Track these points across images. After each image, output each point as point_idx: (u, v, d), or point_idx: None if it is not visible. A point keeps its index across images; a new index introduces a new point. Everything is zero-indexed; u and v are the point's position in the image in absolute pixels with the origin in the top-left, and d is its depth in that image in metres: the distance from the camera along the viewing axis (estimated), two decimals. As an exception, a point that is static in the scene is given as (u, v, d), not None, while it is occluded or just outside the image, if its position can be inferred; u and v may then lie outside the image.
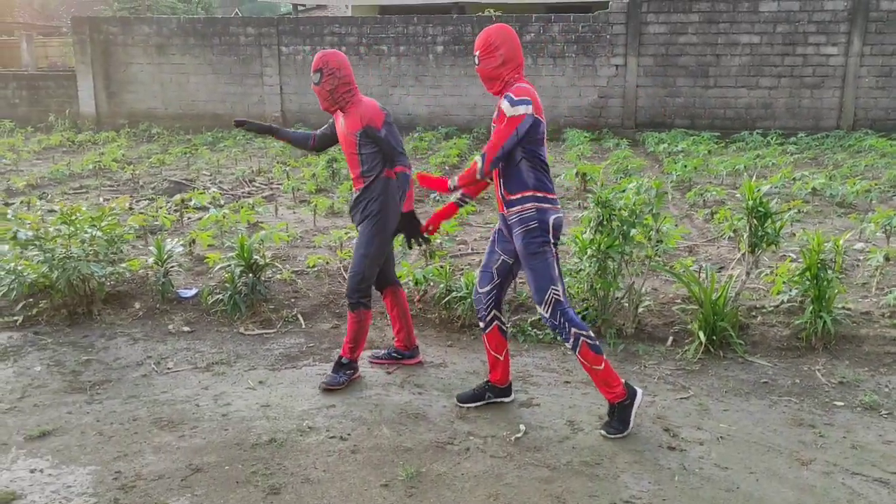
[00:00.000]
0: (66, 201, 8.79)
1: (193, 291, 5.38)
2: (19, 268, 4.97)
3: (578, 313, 4.93)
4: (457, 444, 3.51)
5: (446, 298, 4.97)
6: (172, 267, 5.40)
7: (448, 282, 5.04)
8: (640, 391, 3.61)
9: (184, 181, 9.80)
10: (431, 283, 5.21)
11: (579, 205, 8.62)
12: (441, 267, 5.15)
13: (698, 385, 4.17)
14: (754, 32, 15.68)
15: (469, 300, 4.87)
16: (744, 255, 4.76)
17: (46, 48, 34.37)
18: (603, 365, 3.49)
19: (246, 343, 4.81)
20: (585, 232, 4.93)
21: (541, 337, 4.81)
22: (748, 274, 4.69)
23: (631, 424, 3.56)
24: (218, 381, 4.23)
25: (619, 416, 3.57)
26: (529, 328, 4.89)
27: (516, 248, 3.57)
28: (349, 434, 3.60)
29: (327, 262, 5.88)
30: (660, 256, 5.07)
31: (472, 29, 16.37)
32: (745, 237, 4.67)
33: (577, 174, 9.10)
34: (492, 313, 3.81)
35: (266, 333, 4.95)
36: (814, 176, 9.14)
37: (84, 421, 3.73)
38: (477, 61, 3.50)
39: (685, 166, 9.69)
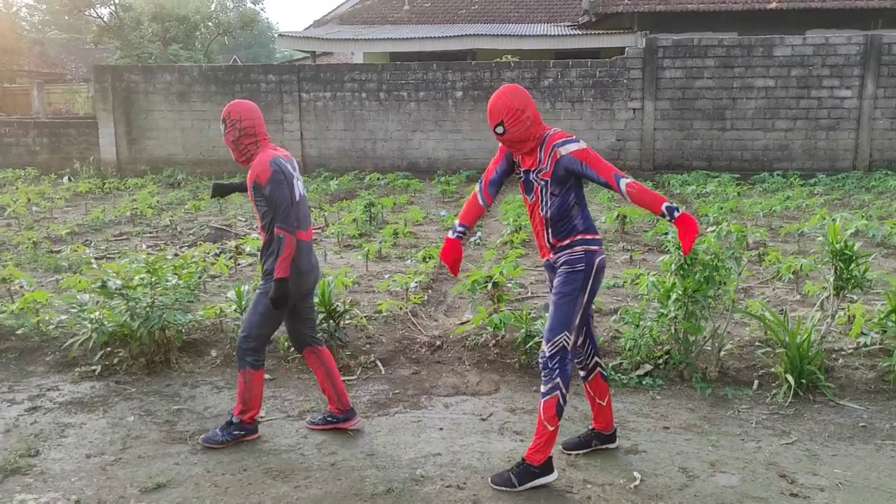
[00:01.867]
0: (111, 248, 8.82)
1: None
2: (100, 316, 4.96)
3: (659, 357, 4.97)
4: (576, 492, 3.48)
5: (529, 344, 4.97)
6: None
7: (528, 326, 5.04)
8: (554, 475, 3.53)
9: (223, 227, 9.85)
10: (508, 328, 5.21)
11: (623, 247, 8.68)
12: (519, 311, 5.16)
13: (798, 430, 4.16)
14: (769, 76, 15.94)
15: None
16: (828, 297, 4.79)
17: (50, 95, 34.73)
18: (554, 428, 3.47)
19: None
20: (667, 275, 4.96)
21: (625, 381, 4.81)
22: (833, 317, 4.72)
23: (517, 490, 3.47)
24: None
25: (520, 472, 3.50)
26: (613, 373, 4.89)
27: (553, 282, 3.55)
28: (465, 483, 3.58)
29: (401, 308, 5.88)
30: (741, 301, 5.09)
31: (491, 74, 16.63)
32: (830, 280, 4.70)
33: (617, 216, 9.17)
34: (593, 360, 3.82)
35: (348, 380, 4.94)
36: (851, 217, 9.22)
37: (194, 472, 3.70)
38: (503, 130, 3.42)
39: (720, 208, 9.77)
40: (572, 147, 3.42)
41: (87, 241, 9.06)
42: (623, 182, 3.38)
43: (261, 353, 3.96)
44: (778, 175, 15.01)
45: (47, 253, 8.33)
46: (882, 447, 3.94)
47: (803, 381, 4.56)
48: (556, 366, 3.46)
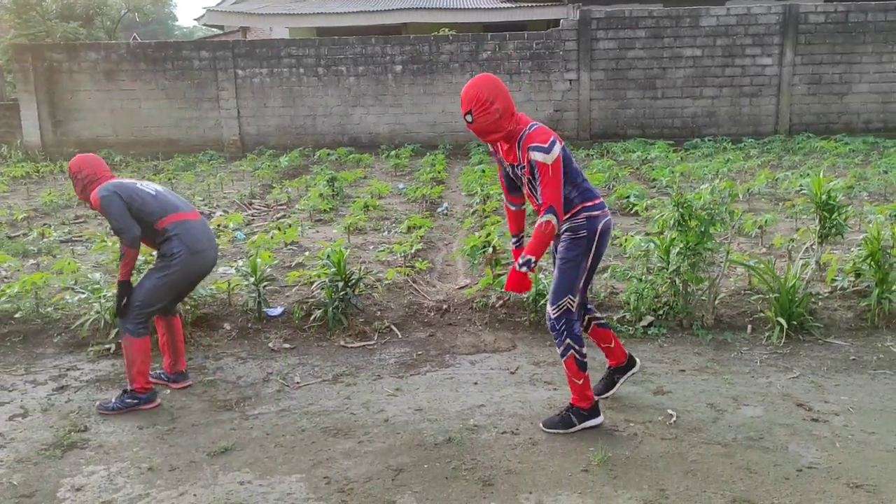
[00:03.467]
0: (74, 231, 8.58)
1: (280, 310, 5.44)
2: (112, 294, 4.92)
3: (659, 309, 5.30)
4: (622, 430, 3.76)
5: (540, 302, 5.22)
6: (266, 286, 5.44)
7: (536, 286, 5.28)
8: (601, 418, 3.76)
9: (185, 206, 9.67)
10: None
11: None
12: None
13: (798, 365, 4.57)
14: (696, 46, 16.62)
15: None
16: (812, 245, 5.22)
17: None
18: (583, 380, 3.71)
19: (354, 355, 4.92)
20: (664, 232, 5.28)
21: (631, 332, 5.12)
22: (818, 263, 5.15)
23: (569, 431, 3.70)
24: (354, 391, 4.34)
25: (566, 417, 3.74)
26: (618, 325, 5.19)
27: (557, 247, 3.77)
28: (517, 429, 3.80)
29: (407, 275, 6.03)
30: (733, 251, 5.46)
31: (430, 48, 16.70)
32: (816, 229, 5.12)
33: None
34: (585, 318, 4.04)
35: (367, 345, 5.08)
36: (791, 176, 9.86)
37: (254, 435, 3.79)
38: (471, 119, 3.47)
39: (672, 172, 10.26)
40: (538, 157, 3.46)
41: (45, 224, 8.77)
42: (545, 216, 3.49)
43: (143, 324, 4.10)
44: (709, 140, 15.75)
45: (7, 238, 8.05)
46: (876, 376, 4.38)
47: (793, 322, 4.98)
48: (564, 328, 3.69)
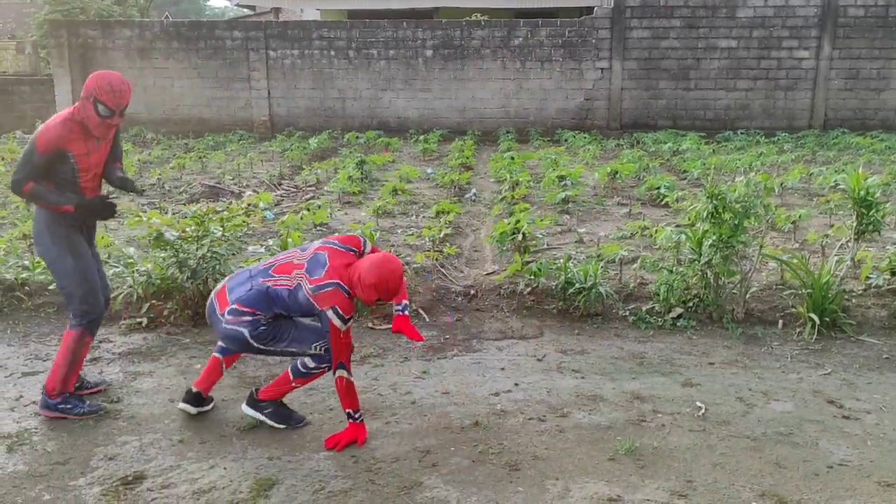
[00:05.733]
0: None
1: (309, 290, 5.46)
2: (149, 269, 4.98)
3: (689, 301, 5.26)
4: (650, 421, 3.75)
5: (569, 290, 5.20)
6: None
7: (566, 274, 5.27)
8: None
9: (216, 185, 9.76)
10: (547, 276, 5.42)
11: (618, 202, 8.97)
12: (558, 260, 5.37)
13: (830, 362, 4.51)
14: (732, 37, 16.37)
15: (592, 292, 5.12)
16: (848, 241, 5.14)
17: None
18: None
19: (381, 337, 4.95)
20: (696, 224, 5.23)
21: (660, 324, 5.09)
22: (853, 259, 5.07)
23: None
24: (382, 372, 4.37)
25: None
26: (647, 316, 5.16)
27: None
28: (545, 416, 3.80)
29: (436, 259, 6.04)
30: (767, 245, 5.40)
31: (461, 33, 16.61)
32: (852, 225, 5.04)
33: (609, 172, 9.46)
34: None
35: (395, 328, 5.09)
36: (826, 171, 9.70)
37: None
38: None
39: (703, 164, 10.14)
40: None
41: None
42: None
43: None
44: (741, 133, 15.54)
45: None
46: (909, 375, 4.32)
47: (826, 319, 4.92)
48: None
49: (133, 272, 5.17)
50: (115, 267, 5.37)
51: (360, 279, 3.27)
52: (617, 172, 9.49)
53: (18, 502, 3.02)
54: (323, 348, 3.48)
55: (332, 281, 3.30)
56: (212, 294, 3.59)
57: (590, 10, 17.46)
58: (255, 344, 3.43)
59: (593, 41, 16.52)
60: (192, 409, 3.75)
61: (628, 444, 3.47)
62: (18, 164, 3.69)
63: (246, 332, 3.39)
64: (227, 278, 3.62)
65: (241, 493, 3.09)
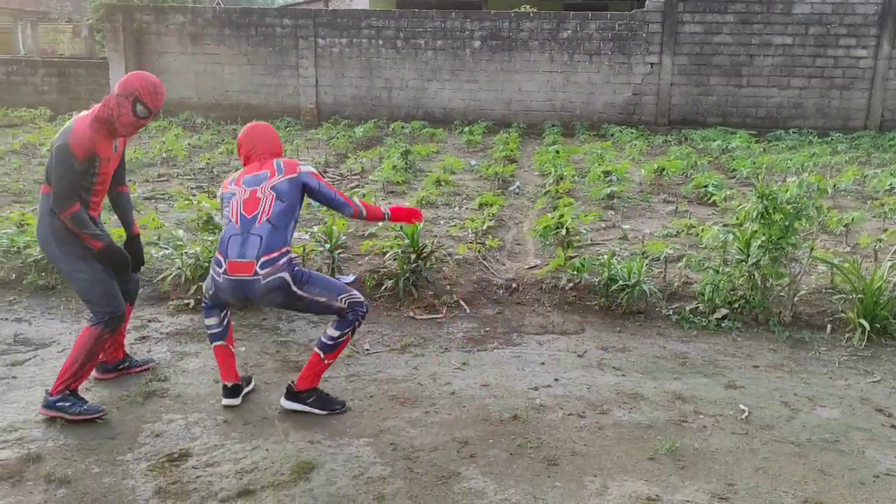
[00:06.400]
0: (157, 189, 8.87)
1: (352, 277, 5.52)
2: (198, 252, 5.08)
3: (734, 302, 5.18)
4: (691, 422, 3.71)
5: (611, 287, 5.16)
6: (340, 253, 5.54)
7: (609, 271, 5.23)
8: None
9: (263, 171, 9.88)
10: (590, 272, 5.39)
11: (664, 199, 8.85)
12: (602, 256, 5.34)
13: (880, 370, 4.41)
14: (787, 34, 16.00)
15: (636, 289, 5.08)
16: (903, 247, 5.00)
17: (35, 35, 33.96)
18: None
19: (422, 326, 4.97)
20: (744, 223, 5.15)
21: (704, 324, 5.02)
22: (907, 265, 4.93)
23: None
24: (422, 361, 4.40)
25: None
26: (690, 316, 5.10)
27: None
28: (584, 412, 3.79)
29: (478, 251, 6.05)
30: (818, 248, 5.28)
31: (510, 25, 16.54)
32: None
33: (656, 169, 9.34)
34: None
35: (436, 318, 5.12)
36: (881, 174, 9.45)
37: (324, 398, 3.87)
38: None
39: (753, 163, 9.95)
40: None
41: (130, 181, 9.08)
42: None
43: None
44: (794, 132, 15.20)
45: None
46: (962, 386, 4.19)
47: (876, 325, 4.81)
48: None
49: (182, 254, 5.27)
50: (165, 249, 5.48)
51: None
52: (664, 169, 9.37)
53: (69, 474, 3.12)
54: (347, 301, 3.58)
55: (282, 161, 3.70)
56: (218, 281, 3.54)
57: (641, 3, 17.23)
58: (296, 288, 3.50)
59: (644, 35, 16.30)
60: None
61: (669, 444, 3.44)
62: (56, 178, 3.44)
63: (287, 275, 3.48)
64: (213, 262, 3.60)
65: (283, 474, 3.14)
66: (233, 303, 3.68)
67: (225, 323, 3.74)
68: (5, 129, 14.42)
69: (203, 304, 3.77)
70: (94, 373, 3.95)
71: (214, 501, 2.95)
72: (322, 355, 3.64)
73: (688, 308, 5.18)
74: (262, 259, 3.45)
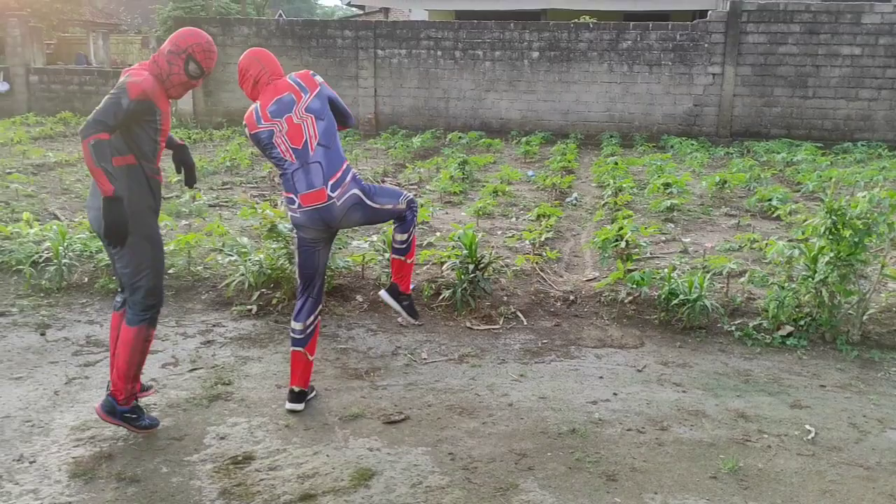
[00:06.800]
0: (221, 196, 9.11)
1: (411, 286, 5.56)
2: (261, 259, 5.20)
3: (800, 319, 5.05)
4: (755, 441, 3.63)
5: (672, 302, 5.09)
6: (399, 262, 5.59)
7: (671, 284, 5.16)
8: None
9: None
10: (650, 286, 5.33)
11: (726, 213, 8.70)
12: (662, 270, 5.27)
13: (955, 393, 4.24)
14: (856, 44, 15.56)
15: (697, 304, 5.00)
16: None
17: (106, 46, 35.25)
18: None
19: (479, 337, 4.98)
20: (811, 239, 5.02)
21: (768, 341, 4.91)
22: None
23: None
24: (479, 372, 4.41)
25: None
26: (752, 332, 4.99)
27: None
28: (644, 428, 3.74)
29: (535, 263, 6.04)
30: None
31: (569, 35, 16.48)
32: None
33: (717, 181, 9.18)
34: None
35: (493, 329, 5.12)
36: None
37: (382, 405, 3.92)
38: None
39: (820, 176, 9.69)
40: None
41: (196, 188, 9.34)
42: None
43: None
44: (862, 145, 14.74)
45: (162, 199, 8.63)
46: None
47: (952, 347, 4.63)
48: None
49: (246, 261, 5.40)
50: (230, 255, 5.63)
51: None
52: (726, 182, 9.21)
53: (139, 473, 3.22)
54: (405, 201, 3.81)
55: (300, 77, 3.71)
56: (297, 217, 3.64)
57: (703, 13, 16.99)
58: (369, 201, 3.66)
59: (706, 45, 16.06)
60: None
61: (731, 463, 3.38)
62: (99, 108, 3.19)
63: (357, 190, 3.63)
64: (286, 203, 3.70)
65: (343, 480, 3.19)
66: (316, 236, 3.70)
67: (309, 331, 3.80)
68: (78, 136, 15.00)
69: (297, 295, 3.85)
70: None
71: (277, 504, 3.01)
72: (403, 258, 3.93)
73: (751, 324, 5.07)
74: (330, 182, 3.57)
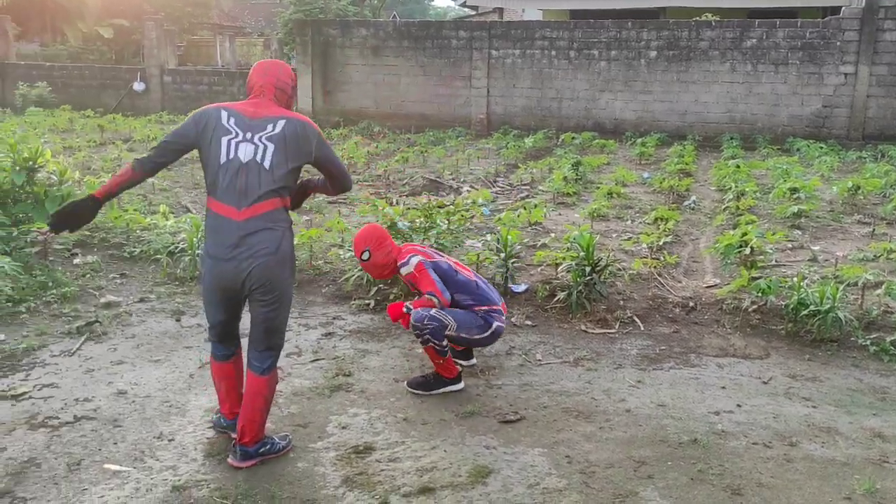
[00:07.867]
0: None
1: (524, 287, 5.57)
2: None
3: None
4: (893, 463, 3.42)
5: (801, 312, 4.86)
6: (514, 262, 5.61)
7: (800, 294, 4.92)
8: (461, 384, 4.09)
9: (436, 179, 10.20)
10: (777, 295, 5.11)
11: (859, 220, 8.22)
12: (789, 278, 5.04)
13: None
14: None
15: (829, 316, 4.75)
16: None
17: (232, 48, 36.93)
18: (443, 360, 3.99)
19: (594, 341, 4.92)
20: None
21: (907, 358, 4.61)
22: None
23: (429, 392, 4.04)
24: (595, 376, 4.35)
25: (429, 380, 4.07)
26: (890, 347, 4.70)
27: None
28: (771, 442, 3.59)
29: (653, 267, 5.91)
30: None
31: (689, 34, 15.98)
32: None
33: (850, 186, 8.69)
34: None
35: (608, 333, 5.05)
36: None
37: (498, 404, 3.94)
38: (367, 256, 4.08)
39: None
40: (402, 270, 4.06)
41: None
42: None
43: (211, 340, 3.46)
44: None
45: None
46: None
47: None
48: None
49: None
50: (350, 252, 5.79)
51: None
52: (859, 187, 8.70)
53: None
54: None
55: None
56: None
57: (835, 10, 16.09)
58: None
59: (837, 43, 15.20)
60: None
61: (868, 484, 3.19)
62: (342, 166, 3.49)
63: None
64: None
65: (461, 476, 3.23)
66: None
67: None
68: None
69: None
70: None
71: (397, 495, 3.08)
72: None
73: (888, 339, 4.78)
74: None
